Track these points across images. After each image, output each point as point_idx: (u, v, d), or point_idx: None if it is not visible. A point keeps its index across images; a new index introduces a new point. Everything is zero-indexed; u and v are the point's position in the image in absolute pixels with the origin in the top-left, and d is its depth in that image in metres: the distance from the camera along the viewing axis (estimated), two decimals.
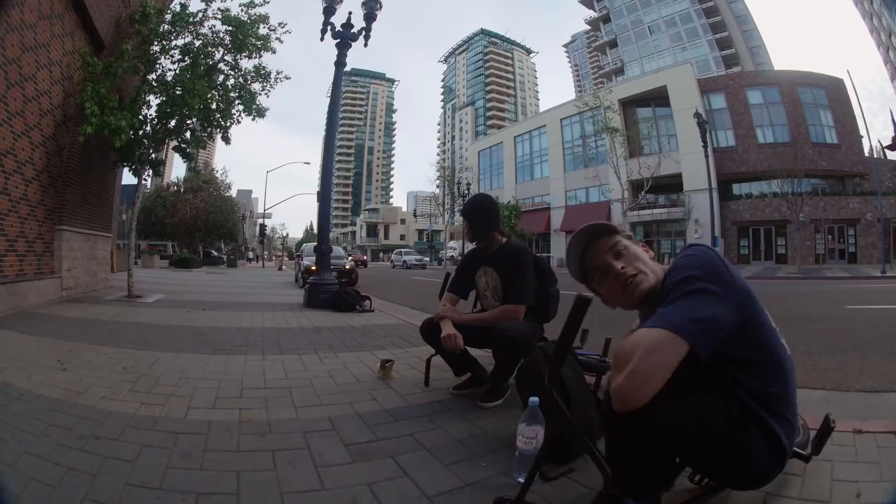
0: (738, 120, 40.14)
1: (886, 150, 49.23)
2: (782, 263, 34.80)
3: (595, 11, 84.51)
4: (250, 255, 71.33)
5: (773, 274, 26.48)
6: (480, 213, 3.80)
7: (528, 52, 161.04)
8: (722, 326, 1.49)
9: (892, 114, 54.53)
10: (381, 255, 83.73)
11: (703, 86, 41.34)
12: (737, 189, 40.38)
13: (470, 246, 4.20)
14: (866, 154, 38.88)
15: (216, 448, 2.52)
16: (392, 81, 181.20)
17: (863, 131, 37.78)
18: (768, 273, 27.23)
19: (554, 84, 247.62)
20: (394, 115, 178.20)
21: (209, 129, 11.22)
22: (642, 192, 35.21)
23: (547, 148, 52.95)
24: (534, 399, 2.28)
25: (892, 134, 50.76)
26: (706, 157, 27.22)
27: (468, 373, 3.81)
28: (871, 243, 34.39)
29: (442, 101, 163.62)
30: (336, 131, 11.46)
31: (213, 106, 10.83)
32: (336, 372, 4.28)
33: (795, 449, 2.03)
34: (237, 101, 11.15)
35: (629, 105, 43.69)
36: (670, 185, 38.78)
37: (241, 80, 11.17)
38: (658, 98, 42.15)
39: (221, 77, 11.00)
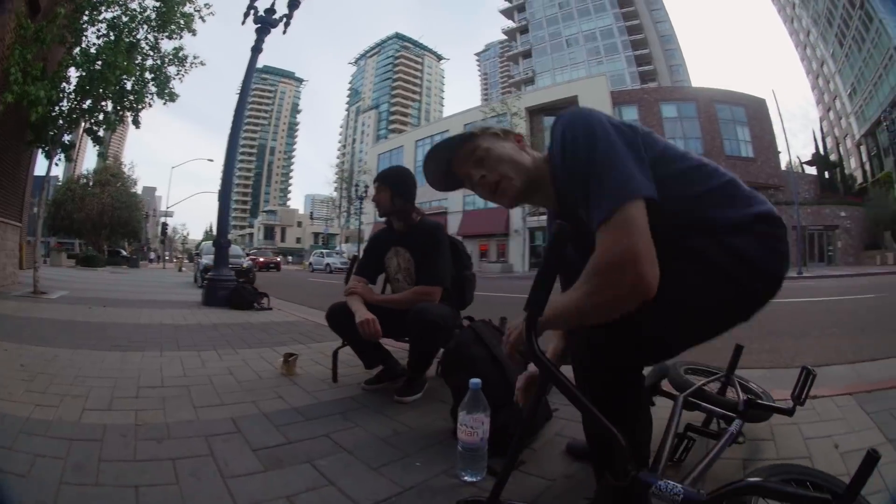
0: None
1: (805, 165, 54.35)
2: None
3: (514, 22, 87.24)
4: (152, 255, 69.33)
5: None
6: (402, 182, 3.54)
7: (440, 58, 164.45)
8: (645, 162, 1.43)
9: (814, 133, 60.64)
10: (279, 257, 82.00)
11: (617, 98, 43.07)
12: None
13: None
14: (783, 168, 42.50)
15: (112, 457, 2.20)
16: (300, 81, 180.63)
17: (781, 147, 40.67)
18: None
19: (460, 91, 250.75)
20: (298, 116, 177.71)
21: (121, 112, 10.96)
22: None
23: None
24: (475, 381, 2.09)
25: (813, 151, 56.84)
26: None
27: (380, 366, 3.63)
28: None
29: (347, 103, 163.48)
30: (242, 123, 11.25)
31: (129, 86, 10.72)
32: (236, 368, 4.07)
33: (775, 404, 2.27)
34: (151, 83, 11.10)
35: (536, 114, 44.76)
36: None
37: (158, 61, 11.13)
38: (566, 108, 42.95)
39: (140, 58, 10.86)
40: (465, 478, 2.06)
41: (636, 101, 43.60)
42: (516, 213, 40.17)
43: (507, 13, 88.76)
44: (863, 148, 55.92)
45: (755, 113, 41.86)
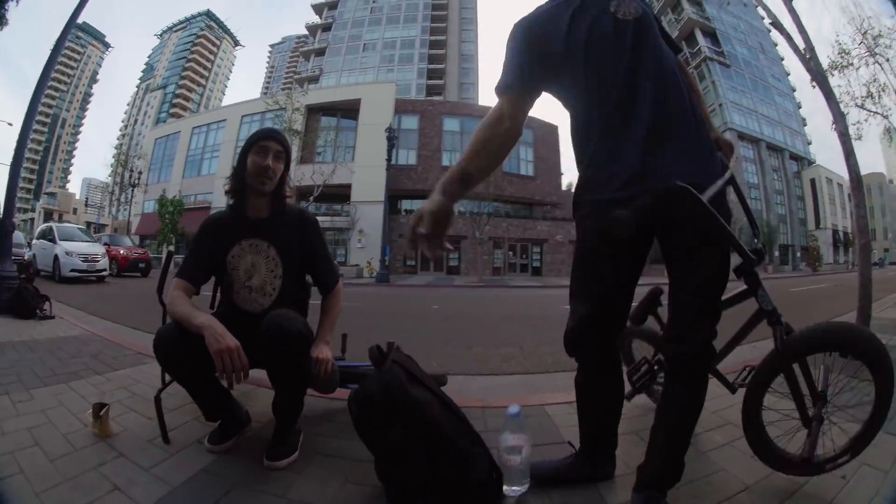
0: (426, 142, 42.39)
1: None
2: (455, 274, 37.72)
3: (321, 19, 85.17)
4: None
5: (451, 282, 27.97)
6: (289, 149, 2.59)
7: (237, 43, 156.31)
8: None
9: None
10: None
11: (400, 106, 42.84)
12: (407, 204, 42.09)
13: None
14: (563, 188, 46.83)
15: None
16: (108, 47, 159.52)
17: (565, 169, 45.73)
18: (445, 282, 28.69)
19: (243, 81, 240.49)
20: (95, 87, 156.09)
21: None
22: (310, 199, 35.18)
23: (220, 143, 48.75)
24: (514, 409, 1.92)
25: None
26: (388, 170, 28.59)
27: (225, 414, 2.53)
28: (560, 259, 39.68)
29: (140, 79, 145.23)
30: (48, 81, 9.54)
31: None
32: (40, 431, 2.57)
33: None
34: None
35: (315, 112, 43.47)
36: (338, 195, 38.82)
37: None
38: (346, 110, 42.53)
39: None
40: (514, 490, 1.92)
41: (419, 112, 43.90)
42: None
43: (317, 9, 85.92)
44: None
45: (544, 136, 44.50)
